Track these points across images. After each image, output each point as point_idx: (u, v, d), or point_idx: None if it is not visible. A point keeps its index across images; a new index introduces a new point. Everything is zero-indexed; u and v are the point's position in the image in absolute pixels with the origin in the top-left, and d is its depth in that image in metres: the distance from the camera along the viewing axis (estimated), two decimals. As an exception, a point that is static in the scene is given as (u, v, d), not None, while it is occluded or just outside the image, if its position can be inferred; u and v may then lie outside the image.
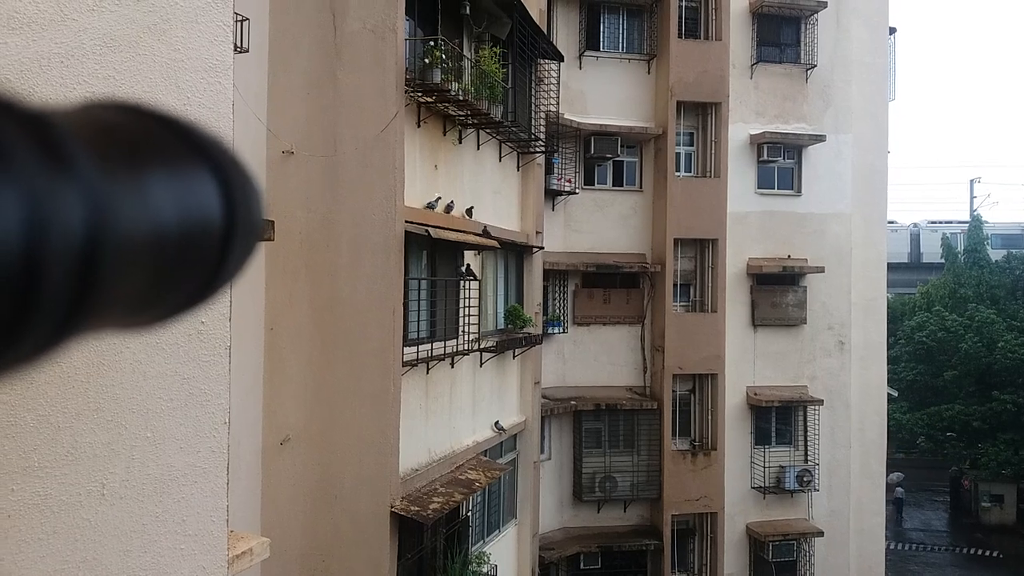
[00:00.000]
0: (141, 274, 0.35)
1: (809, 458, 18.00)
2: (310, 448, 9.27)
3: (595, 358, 16.59)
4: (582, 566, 16.12)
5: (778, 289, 18.05)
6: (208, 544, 2.92)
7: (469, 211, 11.15)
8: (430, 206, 10.43)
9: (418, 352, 9.70)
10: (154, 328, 0.41)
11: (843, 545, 18.38)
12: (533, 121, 13.42)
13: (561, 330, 16.09)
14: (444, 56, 9.82)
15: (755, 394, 17.76)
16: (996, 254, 36.35)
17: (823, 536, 17.78)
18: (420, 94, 9.84)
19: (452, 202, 10.64)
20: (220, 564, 3.10)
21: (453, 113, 10.66)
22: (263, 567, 8.36)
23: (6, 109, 0.31)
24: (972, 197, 49.05)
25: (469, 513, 11.45)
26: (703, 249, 16.99)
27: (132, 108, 0.39)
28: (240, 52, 7.95)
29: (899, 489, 34.22)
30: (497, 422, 12.21)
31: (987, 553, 30.54)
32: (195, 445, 2.84)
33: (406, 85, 9.40)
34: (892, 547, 27.23)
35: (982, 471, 30.96)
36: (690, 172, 17.21)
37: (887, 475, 35.34)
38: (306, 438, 9.26)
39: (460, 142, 11.16)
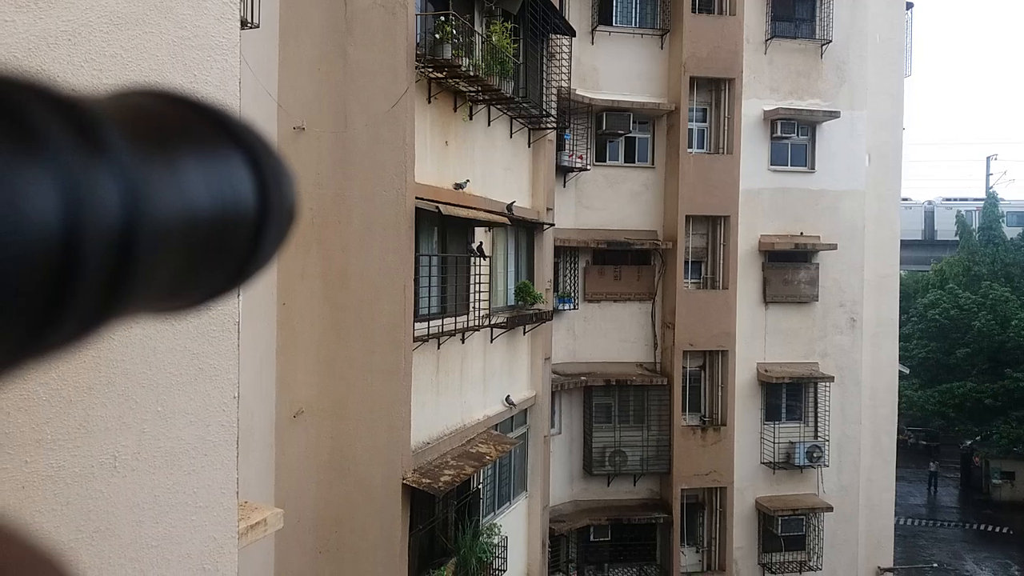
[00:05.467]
0: (175, 259, 0.35)
1: (819, 434, 18.01)
2: (323, 421, 9.37)
3: (605, 334, 16.62)
4: (592, 538, 16.29)
5: (790, 266, 17.97)
6: (219, 516, 2.99)
7: (461, 185, 10.59)
8: (458, 186, 10.40)
9: (429, 327, 9.75)
10: (187, 314, 0.41)
11: (852, 520, 18.44)
12: (544, 97, 13.33)
13: (572, 307, 16.11)
14: (455, 31, 9.75)
15: (765, 371, 17.75)
16: (1011, 232, 35.96)
17: (832, 511, 17.84)
18: (431, 70, 9.78)
19: (467, 180, 10.64)
20: (231, 535, 3.16)
21: (464, 89, 10.60)
22: (277, 537, 8.51)
23: (40, 94, 0.30)
24: (988, 174, 48.45)
25: (480, 486, 11.57)
26: (715, 226, 16.91)
27: (164, 94, 0.39)
28: (250, 27, 7.93)
29: (932, 463, 34.27)
30: (508, 397, 12.29)
31: (997, 529, 30.58)
32: (204, 419, 2.89)
33: (416, 61, 9.35)
34: (902, 522, 27.31)
35: (993, 448, 30.92)
36: (703, 148, 17.08)
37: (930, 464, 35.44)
38: (319, 411, 9.37)
39: (471, 118, 11.11)
